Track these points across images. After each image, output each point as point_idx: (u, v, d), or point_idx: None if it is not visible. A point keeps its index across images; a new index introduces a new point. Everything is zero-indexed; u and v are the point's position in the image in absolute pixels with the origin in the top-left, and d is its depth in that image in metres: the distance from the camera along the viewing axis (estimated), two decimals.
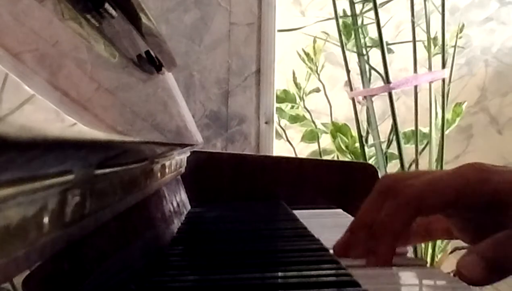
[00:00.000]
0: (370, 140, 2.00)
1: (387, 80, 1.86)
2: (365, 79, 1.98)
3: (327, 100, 2.21)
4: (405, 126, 1.97)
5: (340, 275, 0.43)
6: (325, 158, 2.07)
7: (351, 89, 1.97)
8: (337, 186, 0.97)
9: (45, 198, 0.25)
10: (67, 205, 0.28)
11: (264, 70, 1.94)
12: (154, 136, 0.45)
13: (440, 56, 1.92)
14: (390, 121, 1.93)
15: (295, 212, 0.80)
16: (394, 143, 1.90)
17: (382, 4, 1.89)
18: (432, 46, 1.94)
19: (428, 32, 1.92)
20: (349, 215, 0.79)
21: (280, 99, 2.11)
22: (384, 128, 2.01)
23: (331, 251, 0.50)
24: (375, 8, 1.83)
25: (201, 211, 0.83)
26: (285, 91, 2.15)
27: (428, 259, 1.77)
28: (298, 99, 2.16)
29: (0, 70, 0.19)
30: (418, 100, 1.90)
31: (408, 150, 1.95)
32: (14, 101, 0.19)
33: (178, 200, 0.75)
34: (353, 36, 1.97)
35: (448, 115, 1.96)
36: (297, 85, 2.17)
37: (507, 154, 2.27)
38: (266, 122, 1.95)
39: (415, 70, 1.91)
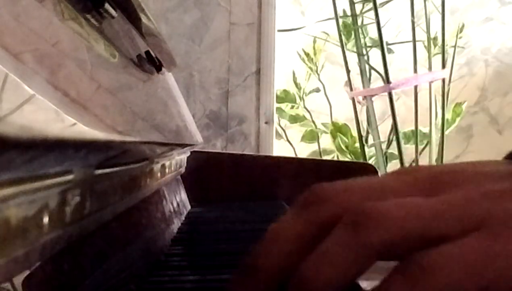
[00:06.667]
0: (370, 140, 2.00)
1: (387, 80, 1.86)
2: (365, 79, 1.99)
3: (327, 100, 2.22)
4: (405, 126, 1.97)
5: None
6: (325, 158, 2.07)
7: (351, 89, 1.97)
8: None
9: (45, 198, 0.24)
10: (67, 205, 0.27)
11: (264, 70, 1.94)
12: (154, 136, 0.45)
13: (440, 56, 1.92)
14: (390, 121, 1.93)
15: None
16: (394, 143, 1.90)
17: (382, 4, 1.89)
18: (432, 46, 1.94)
19: (428, 32, 1.92)
20: None
21: (280, 99, 2.11)
22: (384, 128, 2.01)
23: None
24: (375, 8, 1.83)
25: (201, 211, 0.83)
26: (285, 91, 2.15)
27: None
28: (298, 99, 2.16)
29: (0, 70, 0.19)
30: (418, 100, 1.90)
31: (408, 150, 1.96)
32: (14, 101, 0.19)
33: (178, 200, 0.75)
34: (353, 36, 1.97)
35: (448, 115, 1.97)
36: (297, 85, 2.17)
37: None
38: (266, 123, 1.95)
39: (415, 70, 1.91)
